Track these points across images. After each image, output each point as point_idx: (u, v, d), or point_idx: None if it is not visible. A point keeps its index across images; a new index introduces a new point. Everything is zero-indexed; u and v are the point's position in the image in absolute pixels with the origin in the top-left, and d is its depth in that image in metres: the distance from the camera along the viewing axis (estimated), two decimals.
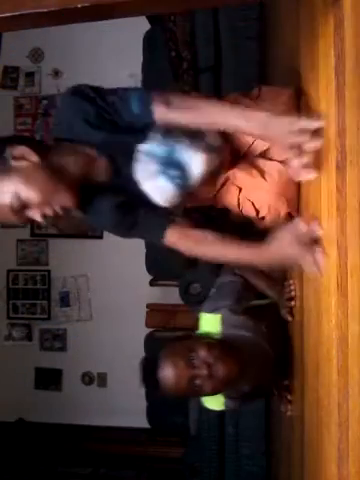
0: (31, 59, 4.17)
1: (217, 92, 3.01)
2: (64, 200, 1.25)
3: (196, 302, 3.57)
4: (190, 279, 3.34)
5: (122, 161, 1.32)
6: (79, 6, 0.85)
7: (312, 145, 1.01)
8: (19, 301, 4.21)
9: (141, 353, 3.68)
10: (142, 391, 3.62)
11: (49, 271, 4.18)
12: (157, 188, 1.30)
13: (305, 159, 1.04)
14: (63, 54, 4.05)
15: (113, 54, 3.94)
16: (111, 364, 4.00)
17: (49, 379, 4.15)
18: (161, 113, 1.22)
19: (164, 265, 3.53)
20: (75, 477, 3.78)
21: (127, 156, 1.29)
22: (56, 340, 4.17)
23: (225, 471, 3.20)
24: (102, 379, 4.08)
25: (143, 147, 1.28)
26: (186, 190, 1.32)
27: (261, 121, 1.08)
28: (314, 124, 1.01)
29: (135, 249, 3.47)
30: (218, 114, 1.18)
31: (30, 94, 4.19)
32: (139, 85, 3.82)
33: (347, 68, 0.83)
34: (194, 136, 1.29)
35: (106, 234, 4.07)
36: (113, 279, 3.97)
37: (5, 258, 4.19)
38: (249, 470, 3.06)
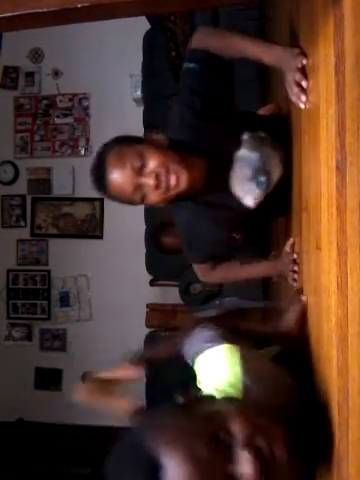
0: (31, 59, 4.17)
1: None
2: (180, 171, 1.36)
3: (196, 302, 3.58)
4: (190, 279, 3.34)
5: (218, 166, 1.46)
6: (79, 6, 0.85)
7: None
8: (19, 301, 4.21)
9: None
10: (142, 391, 3.63)
11: (49, 271, 4.18)
12: (249, 191, 1.46)
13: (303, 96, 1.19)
14: (63, 54, 4.05)
15: (113, 54, 3.95)
16: (111, 364, 3.99)
17: (49, 379, 4.15)
18: (199, 39, 1.44)
19: (164, 265, 3.54)
20: (75, 477, 3.78)
21: (224, 162, 1.46)
22: (56, 340, 4.18)
23: None
24: None
25: (239, 153, 1.45)
26: (266, 194, 1.48)
27: (277, 54, 1.29)
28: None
29: (135, 249, 3.47)
30: (246, 45, 1.38)
31: (30, 94, 4.19)
32: (139, 85, 3.83)
33: (347, 68, 0.83)
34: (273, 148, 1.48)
35: (106, 234, 4.07)
36: (113, 279, 3.97)
37: (5, 258, 4.19)
38: None
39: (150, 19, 3.53)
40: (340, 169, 0.87)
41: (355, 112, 0.80)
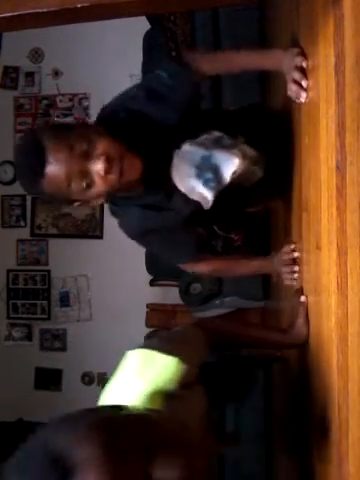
0: (31, 59, 4.17)
1: (217, 91, 3.00)
2: (132, 156, 1.28)
3: (196, 302, 3.58)
4: (190, 279, 3.34)
5: (161, 161, 1.38)
6: (79, 6, 0.85)
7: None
8: (19, 301, 4.21)
9: None
10: None
11: (49, 271, 4.18)
12: (194, 188, 1.38)
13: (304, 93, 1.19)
14: (63, 54, 4.05)
15: (113, 54, 3.94)
16: (111, 364, 3.96)
17: (49, 379, 4.15)
18: (197, 64, 1.38)
19: (164, 265, 3.53)
20: None
21: (167, 157, 1.37)
22: (56, 340, 4.17)
23: (225, 471, 3.20)
24: (102, 379, 4.07)
25: (183, 147, 1.36)
26: (218, 192, 1.39)
27: (277, 57, 1.30)
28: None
29: (135, 249, 3.46)
30: (244, 58, 1.38)
31: (30, 94, 4.18)
32: None
33: (347, 68, 0.83)
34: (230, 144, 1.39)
35: (106, 234, 4.07)
36: (113, 279, 3.97)
37: (5, 258, 4.18)
38: (249, 471, 3.06)
39: (150, 19, 3.52)
40: (340, 169, 0.87)
41: (355, 112, 0.80)
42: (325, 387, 1.03)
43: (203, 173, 1.35)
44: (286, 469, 1.96)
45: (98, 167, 1.22)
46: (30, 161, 1.24)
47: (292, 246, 1.49)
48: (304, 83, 1.17)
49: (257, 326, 1.66)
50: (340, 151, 0.86)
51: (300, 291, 1.40)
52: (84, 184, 1.22)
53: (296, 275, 1.45)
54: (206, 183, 1.35)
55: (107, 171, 1.22)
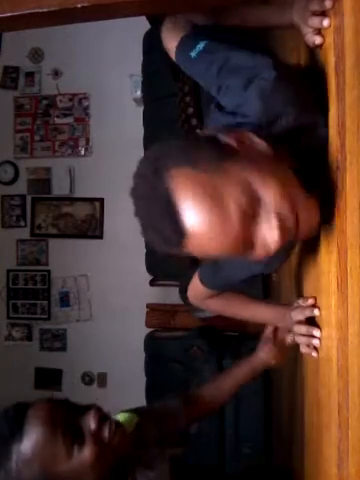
0: (31, 59, 4.17)
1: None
2: (309, 207, 0.87)
3: None
4: (190, 279, 3.34)
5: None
6: (79, 6, 0.85)
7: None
8: (19, 301, 4.21)
9: (141, 353, 3.68)
10: (142, 391, 3.63)
11: (49, 271, 4.18)
12: None
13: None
14: (63, 54, 4.05)
15: (113, 54, 3.95)
16: (111, 364, 4.00)
17: (49, 379, 4.15)
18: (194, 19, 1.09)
19: (164, 265, 3.54)
20: None
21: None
22: (56, 340, 4.17)
23: (225, 471, 3.20)
24: (102, 379, 4.08)
25: None
26: None
27: (290, 12, 1.03)
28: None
29: (135, 249, 3.47)
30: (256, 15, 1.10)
31: (30, 94, 4.19)
32: (139, 85, 3.83)
33: (347, 68, 0.83)
34: None
35: (106, 234, 4.08)
36: (113, 279, 3.97)
37: (5, 258, 4.19)
38: (249, 470, 3.06)
39: (150, 19, 3.53)
40: (340, 169, 0.87)
41: (355, 112, 0.80)
42: (325, 387, 1.03)
43: None
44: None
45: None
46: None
47: (310, 301, 1.14)
48: (325, 23, 0.93)
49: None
50: (340, 151, 0.86)
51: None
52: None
53: (316, 342, 1.09)
54: None
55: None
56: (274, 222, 0.81)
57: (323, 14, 0.94)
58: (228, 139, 0.85)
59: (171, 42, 1.10)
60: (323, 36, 0.97)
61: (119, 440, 1.09)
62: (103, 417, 1.11)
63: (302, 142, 0.98)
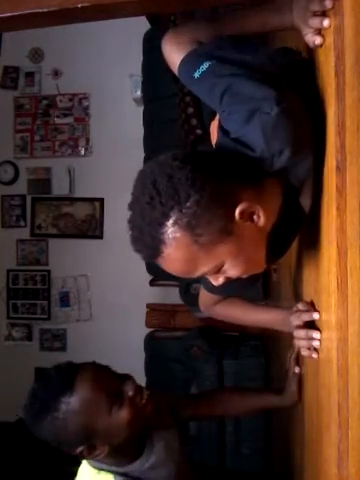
0: (31, 59, 4.17)
1: None
2: (258, 269, 1.04)
3: (196, 302, 3.58)
4: (190, 279, 3.33)
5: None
6: (79, 6, 0.85)
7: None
8: (19, 301, 4.21)
9: (141, 353, 3.68)
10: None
11: (49, 271, 4.18)
12: None
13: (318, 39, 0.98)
14: (63, 54, 4.05)
15: (113, 54, 3.94)
16: (111, 364, 3.98)
17: None
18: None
19: None
20: (75, 477, 3.77)
21: None
22: (56, 340, 4.17)
23: (225, 471, 3.20)
24: None
25: None
26: None
27: (287, 12, 1.03)
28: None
29: None
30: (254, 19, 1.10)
31: (30, 94, 4.19)
32: (139, 85, 3.83)
33: (347, 68, 0.83)
34: None
35: (106, 234, 4.08)
36: (113, 279, 3.97)
37: (5, 258, 4.19)
38: (249, 470, 3.06)
39: (150, 19, 3.53)
40: (340, 169, 0.87)
41: (355, 112, 0.80)
42: (325, 387, 1.03)
43: None
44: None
45: None
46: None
47: (302, 306, 1.19)
48: (325, 23, 0.93)
49: (252, 392, 1.68)
50: (340, 151, 0.86)
51: (295, 360, 1.44)
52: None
53: (316, 343, 1.11)
54: None
55: None
56: (221, 280, 1.01)
57: (323, 14, 0.94)
58: (239, 208, 0.91)
59: (173, 56, 1.10)
60: (323, 36, 0.97)
61: (149, 407, 1.29)
62: (139, 387, 1.32)
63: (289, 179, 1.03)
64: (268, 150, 0.95)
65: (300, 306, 1.19)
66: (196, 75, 1.04)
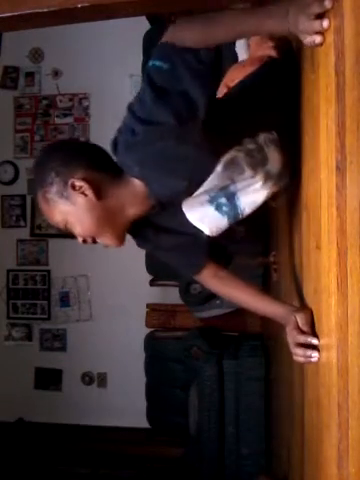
0: (31, 59, 4.17)
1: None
2: (108, 241, 1.32)
3: (196, 302, 3.58)
4: (190, 279, 3.34)
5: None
6: (79, 6, 0.85)
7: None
8: (19, 301, 4.21)
9: (141, 353, 3.69)
10: (142, 391, 3.63)
11: (49, 271, 4.18)
12: (204, 218, 1.22)
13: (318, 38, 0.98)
14: (63, 54, 4.05)
15: (113, 54, 3.95)
16: (111, 364, 4.00)
17: (49, 379, 4.15)
18: (169, 33, 1.13)
19: (164, 265, 3.53)
20: (75, 477, 3.78)
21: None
22: (56, 340, 4.18)
23: (225, 471, 3.20)
24: (102, 379, 4.08)
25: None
26: (235, 220, 1.22)
27: (282, 16, 1.03)
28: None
29: (135, 249, 3.47)
30: (240, 21, 1.11)
31: (30, 94, 4.19)
32: (139, 85, 3.83)
33: (347, 68, 0.83)
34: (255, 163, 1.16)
35: None
36: (113, 279, 3.97)
37: (5, 258, 4.19)
38: (249, 470, 3.07)
39: (150, 19, 3.53)
40: (340, 169, 0.87)
41: (355, 112, 0.80)
42: (325, 387, 1.03)
43: (217, 198, 1.18)
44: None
45: None
46: None
47: (304, 339, 1.16)
48: (325, 24, 0.92)
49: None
50: (340, 151, 0.86)
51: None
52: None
53: (314, 360, 1.12)
54: (219, 208, 1.19)
55: None
56: (79, 238, 1.32)
57: (321, 16, 0.94)
58: (71, 181, 1.20)
59: (185, 33, 1.15)
60: (323, 36, 0.97)
61: None
62: None
63: None
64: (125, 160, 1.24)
65: (299, 321, 1.18)
66: (151, 63, 1.16)
